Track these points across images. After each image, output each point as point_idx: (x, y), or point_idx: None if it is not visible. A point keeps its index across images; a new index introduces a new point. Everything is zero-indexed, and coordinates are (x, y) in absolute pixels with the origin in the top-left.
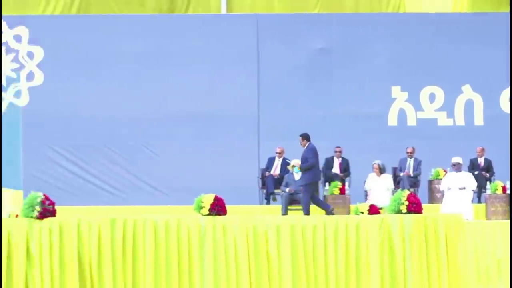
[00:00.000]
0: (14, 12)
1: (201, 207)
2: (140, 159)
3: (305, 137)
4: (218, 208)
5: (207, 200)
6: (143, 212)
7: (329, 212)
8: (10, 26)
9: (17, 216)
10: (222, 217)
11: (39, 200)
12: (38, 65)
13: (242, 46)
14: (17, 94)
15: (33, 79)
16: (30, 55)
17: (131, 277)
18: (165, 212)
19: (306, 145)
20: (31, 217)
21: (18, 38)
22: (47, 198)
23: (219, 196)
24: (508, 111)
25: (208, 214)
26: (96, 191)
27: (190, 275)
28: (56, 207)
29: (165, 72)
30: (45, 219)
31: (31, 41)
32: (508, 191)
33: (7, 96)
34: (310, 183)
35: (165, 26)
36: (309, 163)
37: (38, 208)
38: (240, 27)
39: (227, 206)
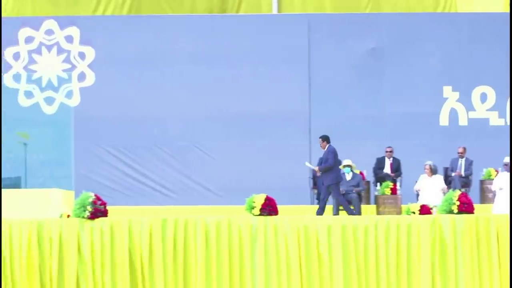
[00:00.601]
0: (65, 12)
1: (253, 207)
2: (191, 159)
3: (325, 139)
4: (269, 208)
5: (259, 200)
6: (194, 212)
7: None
8: (62, 27)
9: (68, 216)
10: (273, 217)
11: (90, 200)
12: (90, 66)
13: (293, 46)
14: (69, 94)
15: (85, 79)
16: (82, 55)
17: (182, 277)
18: (216, 212)
19: (326, 147)
20: (83, 217)
21: (69, 39)
22: (98, 198)
23: (270, 196)
24: None
25: (260, 214)
26: (147, 191)
27: (241, 275)
28: (108, 207)
29: (217, 72)
30: (96, 219)
31: (82, 42)
32: None
33: (58, 97)
34: (334, 183)
35: (216, 27)
36: (328, 163)
37: (89, 208)
38: (291, 27)
39: (278, 206)
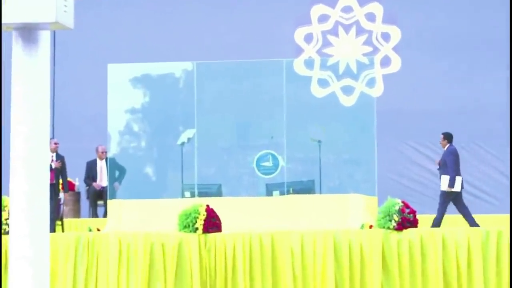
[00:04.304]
0: None
1: None
2: None
3: (447, 137)
4: None
5: None
6: None
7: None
8: (362, 3)
9: (371, 226)
10: None
11: (397, 208)
12: (394, 49)
13: None
14: (370, 82)
15: (389, 64)
16: (385, 36)
17: None
18: None
19: (446, 147)
20: (388, 227)
21: (371, 17)
22: (406, 205)
23: None
24: None
25: None
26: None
27: None
28: (417, 216)
29: None
30: (404, 230)
31: (386, 21)
32: None
33: (358, 85)
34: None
35: None
36: (451, 169)
37: (396, 217)
38: None
39: None
